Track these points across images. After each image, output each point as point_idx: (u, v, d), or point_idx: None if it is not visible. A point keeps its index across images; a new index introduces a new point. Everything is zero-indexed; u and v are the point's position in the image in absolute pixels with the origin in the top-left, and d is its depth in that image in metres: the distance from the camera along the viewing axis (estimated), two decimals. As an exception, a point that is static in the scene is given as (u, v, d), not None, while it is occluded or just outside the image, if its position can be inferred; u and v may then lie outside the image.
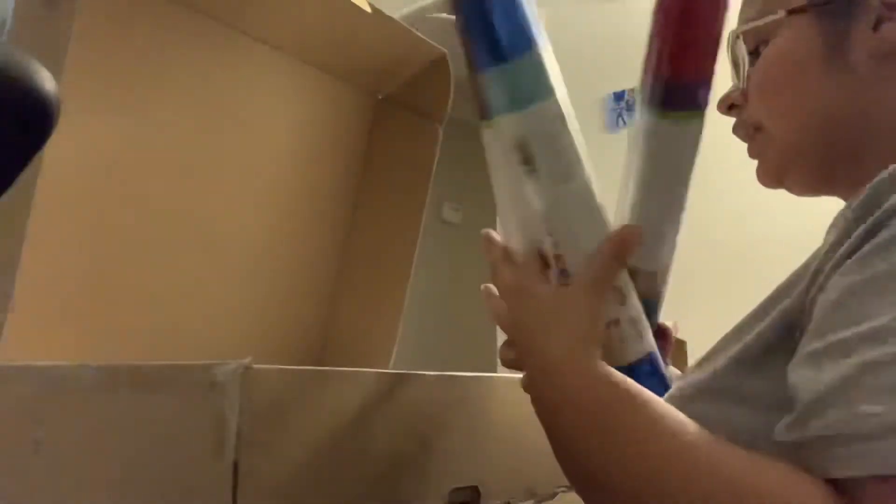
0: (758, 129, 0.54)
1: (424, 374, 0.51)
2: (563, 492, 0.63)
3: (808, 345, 0.37)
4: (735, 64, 0.54)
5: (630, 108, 2.19)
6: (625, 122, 2.19)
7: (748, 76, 0.53)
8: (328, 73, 0.84)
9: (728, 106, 0.55)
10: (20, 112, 0.40)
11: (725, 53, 0.55)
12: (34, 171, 0.54)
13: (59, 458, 0.43)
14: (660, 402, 0.41)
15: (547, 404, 0.46)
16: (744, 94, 0.54)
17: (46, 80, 0.40)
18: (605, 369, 0.43)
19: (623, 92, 2.20)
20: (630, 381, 0.42)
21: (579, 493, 0.45)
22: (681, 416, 0.40)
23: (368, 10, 0.75)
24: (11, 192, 0.43)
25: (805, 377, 0.37)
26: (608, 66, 2.23)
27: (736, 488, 0.36)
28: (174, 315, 0.76)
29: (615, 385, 0.42)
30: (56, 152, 0.49)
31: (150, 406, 0.41)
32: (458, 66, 0.86)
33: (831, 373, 0.35)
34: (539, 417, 0.47)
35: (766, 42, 0.51)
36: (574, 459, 0.44)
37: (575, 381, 0.44)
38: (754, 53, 0.52)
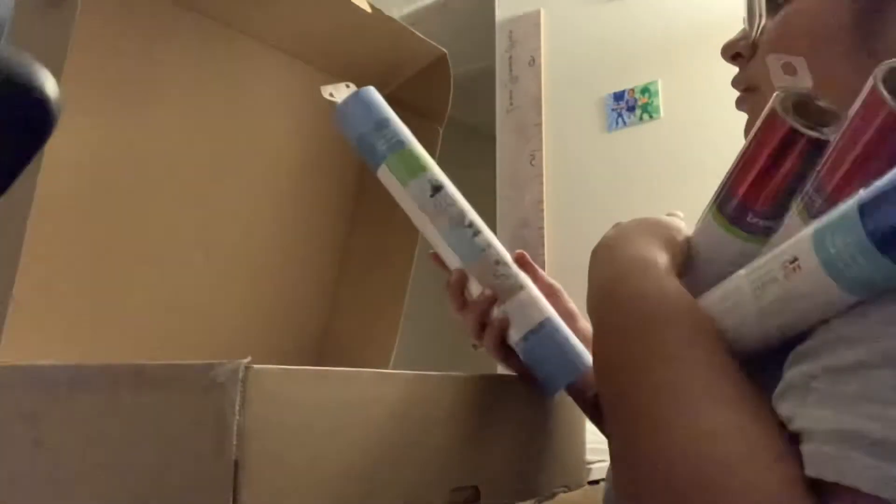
0: (754, 90, 0.49)
1: (425, 374, 0.51)
2: (563, 492, 0.63)
3: None
4: (751, 10, 0.48)
5: (630, 108, 2.19)
6: (625, 122, 2.19)
7: (761, 29, 0.47)
8: (328, 73, 0.84)
9: (733, 55, 0.50)
10: (20, 112, 0.40)
11: None
12: (34, 171, 0.54)
13: (58, 458, 0.43)
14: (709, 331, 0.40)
15: (616, 300, 0.45)
16: (753, 46, 0.48)
17: (47, 81, 0.40)
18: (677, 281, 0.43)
19: (623, 92, 2.20)
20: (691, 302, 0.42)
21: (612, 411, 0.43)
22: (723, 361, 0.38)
23: (368, 10, 0.75)
24: (11, 192, 0.43)
25: None
26: (608, 66, 2.23)
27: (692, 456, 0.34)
28: (174, 315, 0.76)
29: (678, 299, 0.41)
30: (56, 152, 0.49)
31: (150, 406, 0.41)
32: (457, 66, 0.86)
33: None
34: (597, 316, 0.46)
35: None
36: (615, 366, 0.43)
37: (649, 281, 0.43)
38: (775, 4, 0.47)
